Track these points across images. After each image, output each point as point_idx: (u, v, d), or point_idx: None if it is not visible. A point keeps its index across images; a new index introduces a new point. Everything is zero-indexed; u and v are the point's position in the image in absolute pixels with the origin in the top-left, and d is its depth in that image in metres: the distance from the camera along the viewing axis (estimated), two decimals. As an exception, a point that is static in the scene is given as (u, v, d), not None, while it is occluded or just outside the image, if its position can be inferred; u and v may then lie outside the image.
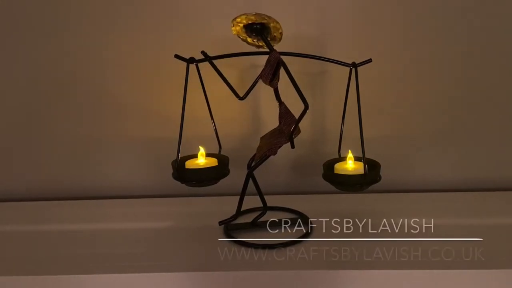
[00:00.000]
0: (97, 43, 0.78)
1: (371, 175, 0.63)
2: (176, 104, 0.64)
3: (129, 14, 0.76)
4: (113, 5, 0.76)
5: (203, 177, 0.65)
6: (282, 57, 0.59)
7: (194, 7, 0.76)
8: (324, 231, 0.66)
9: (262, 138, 0.66)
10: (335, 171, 0.65)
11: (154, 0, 0.75)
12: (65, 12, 0.77)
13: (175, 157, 0.64)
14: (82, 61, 0.78)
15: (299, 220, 0.69)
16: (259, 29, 0.60)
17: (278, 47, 0.61)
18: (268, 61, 0.60)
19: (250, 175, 0.64)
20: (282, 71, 0.59)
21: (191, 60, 0.63)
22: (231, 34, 0.62)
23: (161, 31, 0.77)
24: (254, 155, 0.64)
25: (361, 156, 0.62)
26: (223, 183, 0.67)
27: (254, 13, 0.58)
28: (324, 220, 0.69)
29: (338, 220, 0.70)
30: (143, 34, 0.77)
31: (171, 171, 0.66)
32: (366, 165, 0.62)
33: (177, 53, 0.62)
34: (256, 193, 0.66)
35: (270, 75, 0.60)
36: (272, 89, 0.63)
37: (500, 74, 0.78)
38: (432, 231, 0.66)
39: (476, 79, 0.78)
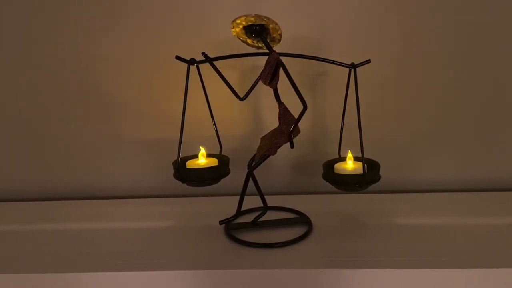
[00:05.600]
0: (99, 45, 0.78)
1: (370, 175, 0.63)
2: (177, 105, 0.64)
3: (130, 16, 0.77)
4: (114, 7, 0.77)
5: (204, 176, 0.65)
6: (282, 58, 0.59)
7: (194, 9, 0.76)
8: (324, 230, 0.67)
9: (262, 138, 0.67)
10: (335, 171, 0.66)
11: (155, 2, 0.76)
12: (67, 14, 0.77)
13: (176, 157, 0.64)
14: (84, 63, 0.79)
15: (299, 220, 0.69)
16: (258, 31, 0.61)
17: (277, 48, 0.61)
18: (267, 62, 0.60)
19: (250, 175, 0.64)
20: (281, 72, 0.60)
21: (191, 62, 0.63)
22: (231, 36, 0.63)
23: (162, 33, 0.77)
24: (254, 155, 0.65)
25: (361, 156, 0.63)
26: (223, 183, 0.67)
27: (253, 15, 0.59)
28: (324, 219, 0.69)
29: (338, 219, 0.71)
30: (144, 36, 0.78)
31: (172, 171, 0.66)
32: (366, 165, 0.63)
33: (178, 55, 0.63)
34: (256, 193, 0.66)
35: (270, 76, 0.60)
36: (272, 89, 0.64)
37: (500, 73, 0.78)
38: (432, 231, 0.66)
39: (476, 79, 0.78)
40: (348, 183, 0.64)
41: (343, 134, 0.69)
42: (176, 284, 0.58)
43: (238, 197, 0.66)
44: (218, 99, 0.70)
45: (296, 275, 0.57)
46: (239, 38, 0.64)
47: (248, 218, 0.69)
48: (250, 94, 0.65)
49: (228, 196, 0.75)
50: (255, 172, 0.64)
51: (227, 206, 0.69)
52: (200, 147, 0.70)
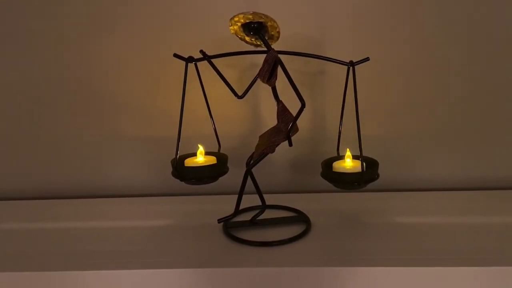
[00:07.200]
0: (97, 43, 0.78)
1: (368, 173, 0.63)
2: (176, 103, 0.64)
3: (128, 14, 0.77)
4: (112, 5, 0.76)
5: (202, 175, 0.65)
6: (280, 56, 0.59)
7: (192, 6, 0.76)
8: (322, 229, 0.67)
9: (260, 136, 0.67)
10: (333, 170, 0.66)
11: (154, 0, 0.76)
12: (66, 13, 0.77)
13: (174, 156, 0.64)
14: (82, 61, 0.79)
15: (298, 218, 0.69)
16: (256, 28, 0.60)
17: (276, 46, 0.61)
18: (265, 60, 0.60)
19: (248, 173, 0.64)
20: (280, 70, 0.59)
21: (189, 59, 0.63)
22: (229, 34, 0.63)
23: (160, 31, 0.77)
24: (253, 153, 0.65)
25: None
26: (222, 181, 0.67)
27: (251, 12, 0.58)
28: (322, 218, 0.69)
29: (337, 218, 0.71)
30: (142, 34, 0.77)
31: (171, 169, 0.66)
32: (364, 163, 0.63)
33: (176, 53, 0.63)
34: (255, 192, 0.66)
35: (268, 74, 0.60)
36: (270, 87, 0.64)
37: (502, 71, 0.77)
38: (431, 230, 0.66)
39: (476, 78, 0.78)
40: (346, 182, 0.64)
41: (342, 132, 0.69)
42: (174, 283, 0.58)
43: (236, 196, 0.66)
44: (217, 97, 0.70)
45: (295, 274, 0.57)
46: (237, 36, 0.63)
47: (247, 216, 0.69)
48: (249, 92, 0.65)
49: (227, 194, 0.75)
50: (253, 170, 0.64)
51: (226, 205, 0.69)
52: (199, 145, 0.70)
